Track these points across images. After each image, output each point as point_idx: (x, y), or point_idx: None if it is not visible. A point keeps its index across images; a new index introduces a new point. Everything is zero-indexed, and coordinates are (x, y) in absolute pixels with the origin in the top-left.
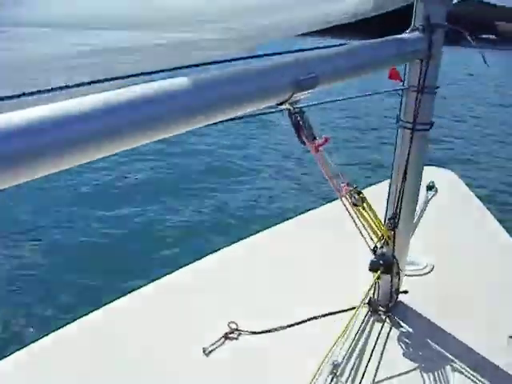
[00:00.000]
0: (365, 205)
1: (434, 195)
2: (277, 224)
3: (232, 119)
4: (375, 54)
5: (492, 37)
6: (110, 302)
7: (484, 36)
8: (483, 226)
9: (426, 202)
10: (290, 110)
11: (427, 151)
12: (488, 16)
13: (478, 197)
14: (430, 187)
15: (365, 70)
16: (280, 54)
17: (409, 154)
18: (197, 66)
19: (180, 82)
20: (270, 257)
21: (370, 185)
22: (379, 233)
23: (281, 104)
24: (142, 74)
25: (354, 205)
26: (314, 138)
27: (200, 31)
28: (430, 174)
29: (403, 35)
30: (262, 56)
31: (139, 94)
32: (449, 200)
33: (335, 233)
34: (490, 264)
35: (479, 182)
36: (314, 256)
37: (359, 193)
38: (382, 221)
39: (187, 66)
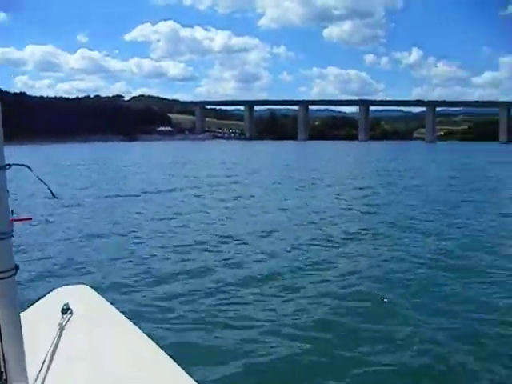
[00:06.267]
0: None
1: (69, 318)
2: None
3: None
4: None
5: (168, 128)
6: None
7: (161, 128)
8: (126, 337)
9: (62, 328)
10: None
11: (17, 296)
12: (163, 109)
13: (117, 307)
14: (65, 310)
15: None
16: None
17: None
18: None
19: None
20: None
21: None
22: None
23: None
24: None
25: None
26: None
27: None
28: (63, 295)
29: None
30: None
31: None
32: (87, 318)
33: None
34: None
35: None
36: None
37: None
38: None
39: None
